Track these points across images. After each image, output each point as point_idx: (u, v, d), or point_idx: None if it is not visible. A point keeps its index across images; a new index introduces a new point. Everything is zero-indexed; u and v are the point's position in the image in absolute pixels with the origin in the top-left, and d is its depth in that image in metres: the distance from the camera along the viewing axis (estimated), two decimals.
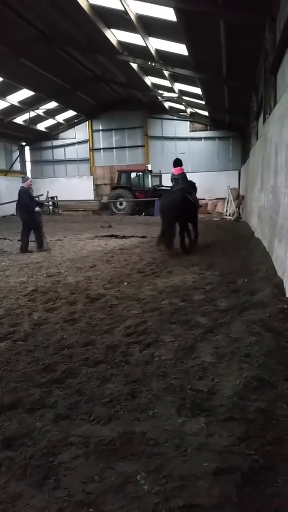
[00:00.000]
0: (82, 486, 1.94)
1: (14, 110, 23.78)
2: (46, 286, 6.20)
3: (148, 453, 2.19)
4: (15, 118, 24.77)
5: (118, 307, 5.03)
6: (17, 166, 30.23)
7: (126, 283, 6.32)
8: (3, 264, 8.29)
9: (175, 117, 26.89)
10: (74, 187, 28.76)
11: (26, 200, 10.26)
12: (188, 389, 2.83)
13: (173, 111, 26.25)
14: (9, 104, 22.62)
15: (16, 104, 22.80)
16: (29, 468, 2.07)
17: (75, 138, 29.81)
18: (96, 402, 2.71)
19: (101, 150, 29.39)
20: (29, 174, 31.16)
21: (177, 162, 9.94)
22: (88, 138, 29.39)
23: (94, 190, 29.56)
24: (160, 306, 5.00)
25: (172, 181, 10.05)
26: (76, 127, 29.61)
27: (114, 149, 29.12)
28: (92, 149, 29.40)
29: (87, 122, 29.09)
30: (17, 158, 29.97)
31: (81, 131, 29.60)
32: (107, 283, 6.34)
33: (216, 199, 24.38)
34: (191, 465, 2.10)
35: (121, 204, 24.35)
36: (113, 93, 25.41)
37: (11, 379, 3.08)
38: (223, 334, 3.89)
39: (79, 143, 29.72)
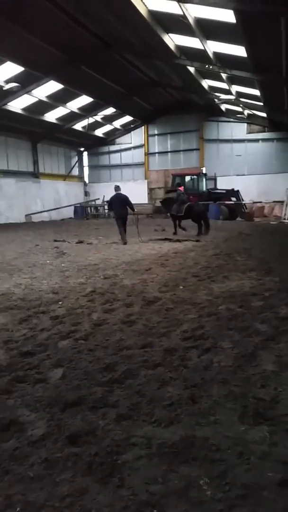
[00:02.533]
0: (146, 487, 1.97)
1: (73, 117, 24.63)
2: (103, 288, 6.33)
3: (210, 458, 2.17)
4: (75, 124, 25.65)
5: (175, 311, 5.03)
6: (75, 171, 31.24)
7: (181, 287, 6.30)
8: (63, 265, 8.60)
9: (231, 119, 26.50)
10: (129, 191, 29.20)
11: (131, 204, 12.71)
12: (250, 397, 2.77)
13: (229, 113, 25.90)
14: (69, 110, 23.45)
15: (76, 110, 23.60)
16: (94, 465, 2.13)
17: (131, 143, 30.31)
18: (156, 404, 2.73)
19: (156, 154, 29.63)
20: (86, 179, 32.12)
21: (180, 185, 16.80)
22: (143, 142, 29.75)
23: (148, 193, 29.86)
24: (217, 311, 4.94)
25: (180, 196, 14.74)
26: (132, 132, 30.12)
27: (169, 153, 29.25)
28: (147, 154, 29.70)
29: (143, 127, 29.47)
30: (75, 163, 30.98)
31: (137, 136, 30.04)
32: (163, 287, 6.35)
33: (273, 202, 23.68)
34: (254, 474, 2.06)
35: None
36: (169, 97, 25.56)
37: (74, 377, 3.18)
38: (285, 342, 3.77)
39: (134, 147, 30.18)
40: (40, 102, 21.53)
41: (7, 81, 18.23)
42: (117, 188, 13.00)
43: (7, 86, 18.03)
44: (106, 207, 28.03)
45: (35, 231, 18.45)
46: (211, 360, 3.45)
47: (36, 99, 21.16)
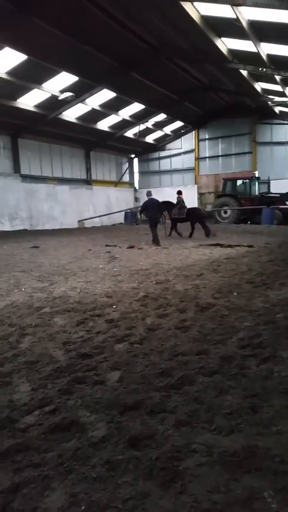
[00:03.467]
0: (208, 495, 1.94)
1: (125, 124, 25.07)
2: (156, 293, 6.34)
3: (273, 470, 2.10)
4: (126, 132, 26.08)
5: (229, 318, 4.94)
6: (126, 178, 31.73)
7: (235, 294, 6.18)
8: (115, 269, 8.74)
9: (286, 121, 25.75)
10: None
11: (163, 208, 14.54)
12: None
13: (284, 115, 25.20)
14: (121, 118, 23.89)
15: (127, 118, 23.99)
16: (155, 469, 2.12)
17: (181, 148, 30.32)
18: (215, 412, 2.69)
19: (207, 159, 29.41)
20: (136, 185, 32.52)
21: (181, 192, 17.28)
22: (194, 147, 29.64)
23: (198, 198, 29.66)
24: (274, 319, 4.79)
25: (180, 202, 16.75)
26: (182, 137, 30.12)
27: (219, 157, 28.92)
28: (198, 158, 29.55)
29: (193, 132, 29.39)
30: (126, 170, 31.46)
31: (187, 141, 30.01)
32: (216, 293, 6.26)
33: None
34: None
35: (225, 212, 24.03)
36: (220, 101, 25.33)
37: (131, 380, 3.21)
38: None
39: (184, 153, 30.15)
40: (93, 110, 22.12)
41: (62, 91, 18.92)
42: (149, 193, 14.16)
43: (62, 96, 18.73)
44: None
45: (87, 236, 18.93)
46: (271, 369, 3.34)
47: (89, 108, 21.78)
